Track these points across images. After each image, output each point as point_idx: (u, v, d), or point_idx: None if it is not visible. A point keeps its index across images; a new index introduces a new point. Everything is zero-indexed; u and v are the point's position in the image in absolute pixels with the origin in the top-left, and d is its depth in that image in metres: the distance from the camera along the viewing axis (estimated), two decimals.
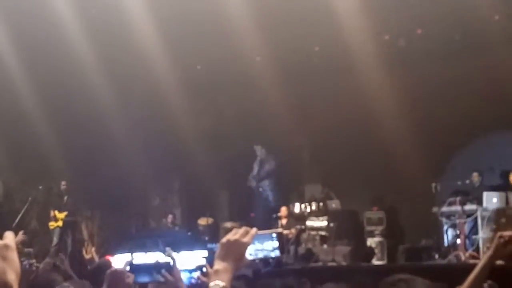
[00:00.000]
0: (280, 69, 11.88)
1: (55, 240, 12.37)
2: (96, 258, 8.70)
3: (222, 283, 2.00)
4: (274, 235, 2.12)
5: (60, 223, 12.43)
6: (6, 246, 1.56)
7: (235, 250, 2.09)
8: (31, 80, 12.36)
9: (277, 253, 2.05)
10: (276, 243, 2.08)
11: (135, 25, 11.09)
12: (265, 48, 11.81)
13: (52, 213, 12.50)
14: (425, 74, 11.56)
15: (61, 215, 12.46)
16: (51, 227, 12.49)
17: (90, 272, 4.52)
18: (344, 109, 12.20)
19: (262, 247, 2.11)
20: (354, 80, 11.87)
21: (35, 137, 13.02)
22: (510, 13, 10.55)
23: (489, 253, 2.77)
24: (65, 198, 12.55)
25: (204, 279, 3.14)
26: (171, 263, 3.14)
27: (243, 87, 12.89)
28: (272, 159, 12.36)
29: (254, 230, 2.15)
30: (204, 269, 3.23)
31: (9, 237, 1.58)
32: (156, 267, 3.08)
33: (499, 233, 2.74)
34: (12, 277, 1.53)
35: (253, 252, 2.08)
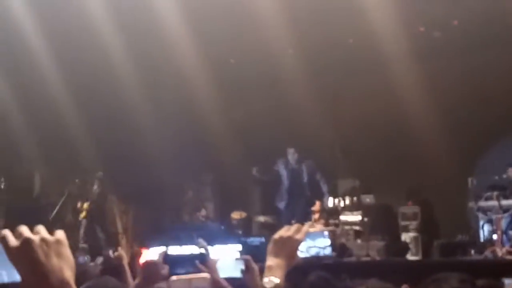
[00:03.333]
0: (311, 62, 11.82)
1: (81, 233, 12.25)
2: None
3: (276, 280, 2.01)
4: (326, 232, 2.12)
5: (84, 214, 12.32)
6: (59, 242, 1.51)
7: (288, 247, 2.09)
8: (65, 76, 12.49)
9: (329, 250, 2.05)
10: (328, 241, 2.08)
11: (165, 19, 11.11)
12: (296, 42, 11.76)
13: (79, 205, 12.43)
14: (461, 66, 11.40)
15: (86, 206, 12.35)
16: (80, 219, 12.41)
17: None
18: (377, 102, 12.09)
19: (314, 244, 2.12)
20: (386, 72, 11.75)
21: (71, 131, 13.17)
22: None
23: None
24: (94, 188, 12.49)
25: (204, 268, 3.12)
26: (206, 255, 3.15)
27: (275, 81, 12.87)
28: (304, 165, 12.06)
29: (306, 227, 2.14)
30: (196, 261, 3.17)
31: (60, 233, 1.54)
32: (190, 259, 3.08)
33: None
34: (69, 273, 1.49)
35: (305, 249, 2.09)
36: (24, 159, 13.66)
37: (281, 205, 12.20)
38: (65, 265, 1.49)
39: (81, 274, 4.45)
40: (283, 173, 12.15)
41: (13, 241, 1.49)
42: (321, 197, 11.88)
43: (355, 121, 12.34)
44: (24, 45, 11.74)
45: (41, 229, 1.53)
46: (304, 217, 11.31)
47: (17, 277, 1.49)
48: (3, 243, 1.49)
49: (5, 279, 1.63)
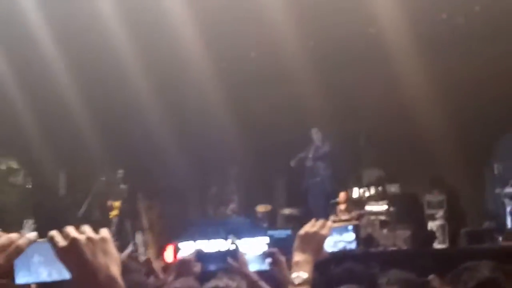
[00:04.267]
0: (334, 53, 11.80)
1: (113, 231, 12.34)
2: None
3: (305, 274, 2.06)
4: (351, 227, 2.16)
5: (116, 212, 12.61)
6: (104, 240, 1.56)
7: (314, 242, 2.14)
8: (85, 77, 12.66)
9: (354, 244, 2.08)
10: (353, 235, 2.12)
11: (171, 18, 11.20)
12: (318, 33, 11.75)
13: (109, 204, 12.73)
14: (484, 53, 11.27)
15: (117, 204, 12.65)
16: (111, 217, 12.70)
17: None
18: (400, 91, 12.02)
19: (340, 238, 2.17)
20: (410, 62, 11.68)
21: (96, 130, 13.31)
22: None
23: None
24: (121, 186, 12.78)
25: (235, 264, 3.17)
26: (236, 250, 3.19)
27: (296, 73, 12.84)
28: (327, 143, 12.28)
29: (330, 222, 2.21)
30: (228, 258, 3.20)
31: (104, 231, 1.59)
32: (221, 255, 3.13)
33: None
34: (115, 269, 1.54)
35: (332, 243, 2.15)
36: (49, 159, 13.82)
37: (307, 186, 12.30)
38: (111, 261, 1.53)
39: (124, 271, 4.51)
40: (310, 155, 12.28)
41: (61, 241, 1.54)
42: (344, 187, 11.90)
43: (379, 111, 12.29)
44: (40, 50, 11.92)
45: (87, 228, 1.57)
46: (327, 210, 11.33)
47: (66, 275, 1.55)
48: (52, 243, 1.54)
49: (56, 277, 1.71)
